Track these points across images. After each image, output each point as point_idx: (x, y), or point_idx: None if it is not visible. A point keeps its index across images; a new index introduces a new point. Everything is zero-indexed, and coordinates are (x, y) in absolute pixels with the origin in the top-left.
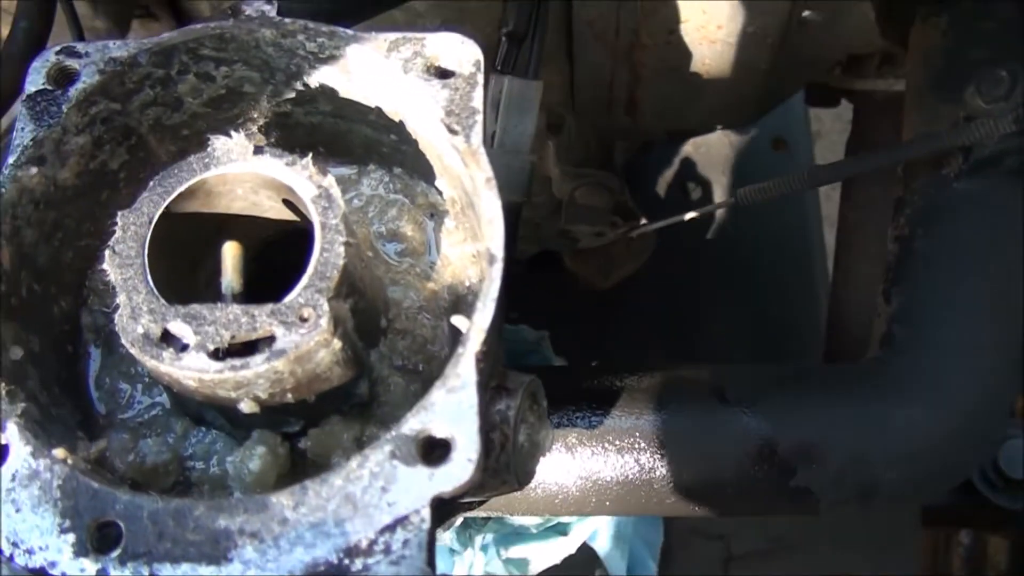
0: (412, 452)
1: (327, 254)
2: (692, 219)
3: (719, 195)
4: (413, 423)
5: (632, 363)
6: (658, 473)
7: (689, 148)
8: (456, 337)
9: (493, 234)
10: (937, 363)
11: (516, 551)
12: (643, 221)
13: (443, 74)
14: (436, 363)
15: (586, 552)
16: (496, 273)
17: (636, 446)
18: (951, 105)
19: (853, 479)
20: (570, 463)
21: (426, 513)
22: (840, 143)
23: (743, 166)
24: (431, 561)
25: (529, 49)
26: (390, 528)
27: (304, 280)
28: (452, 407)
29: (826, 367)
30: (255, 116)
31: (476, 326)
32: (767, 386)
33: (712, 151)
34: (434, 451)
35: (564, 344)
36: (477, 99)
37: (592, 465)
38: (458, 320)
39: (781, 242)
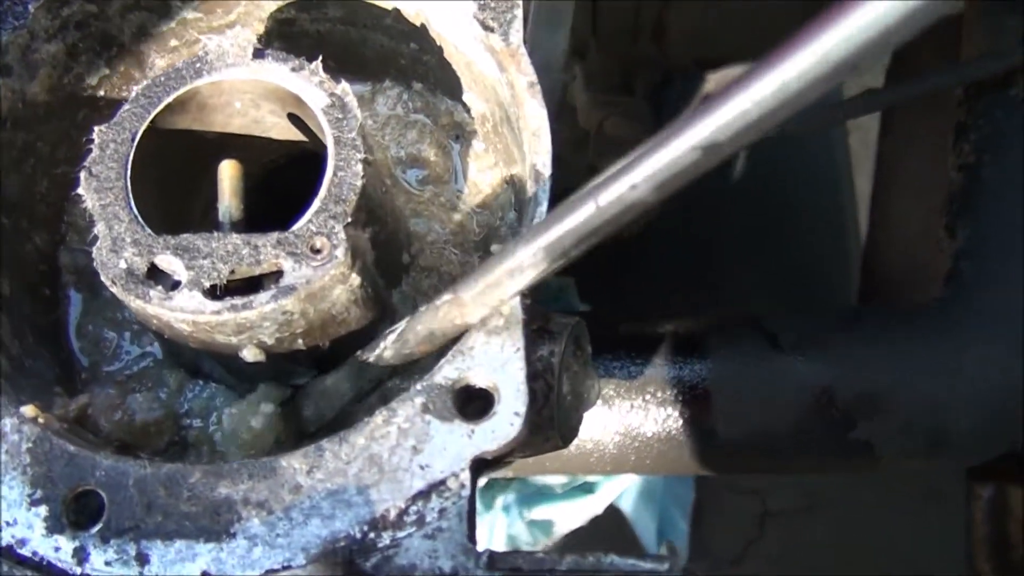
0: (448, 405)
1: (342, 173)
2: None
3: None
4: (448, 371)
5: (666, 309)
6: (704, 428)
7: (711, 85)
8: None
9: (539, 147)
10: (1011, 299)
11: (540, 512)
12: None
13: None
14: None
15: (613, 512)
16: (543, 193)
17: (680, 398)
18: (1019, 17)
19: (922, 429)
20: (607, 417)
21: (466, 477)
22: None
23: None
24: (472, 535)
25: None
26: (423, 495)
27: (316, 204)
28: (494, 352)
29: (886, 309)
30: (254, 23)
31: None
32: (823, 331)
33: None
34: (473, 403)
35: (581, 294)
36: None
37: (632, 419)
38: (497, 250)
39: (808, 184)
